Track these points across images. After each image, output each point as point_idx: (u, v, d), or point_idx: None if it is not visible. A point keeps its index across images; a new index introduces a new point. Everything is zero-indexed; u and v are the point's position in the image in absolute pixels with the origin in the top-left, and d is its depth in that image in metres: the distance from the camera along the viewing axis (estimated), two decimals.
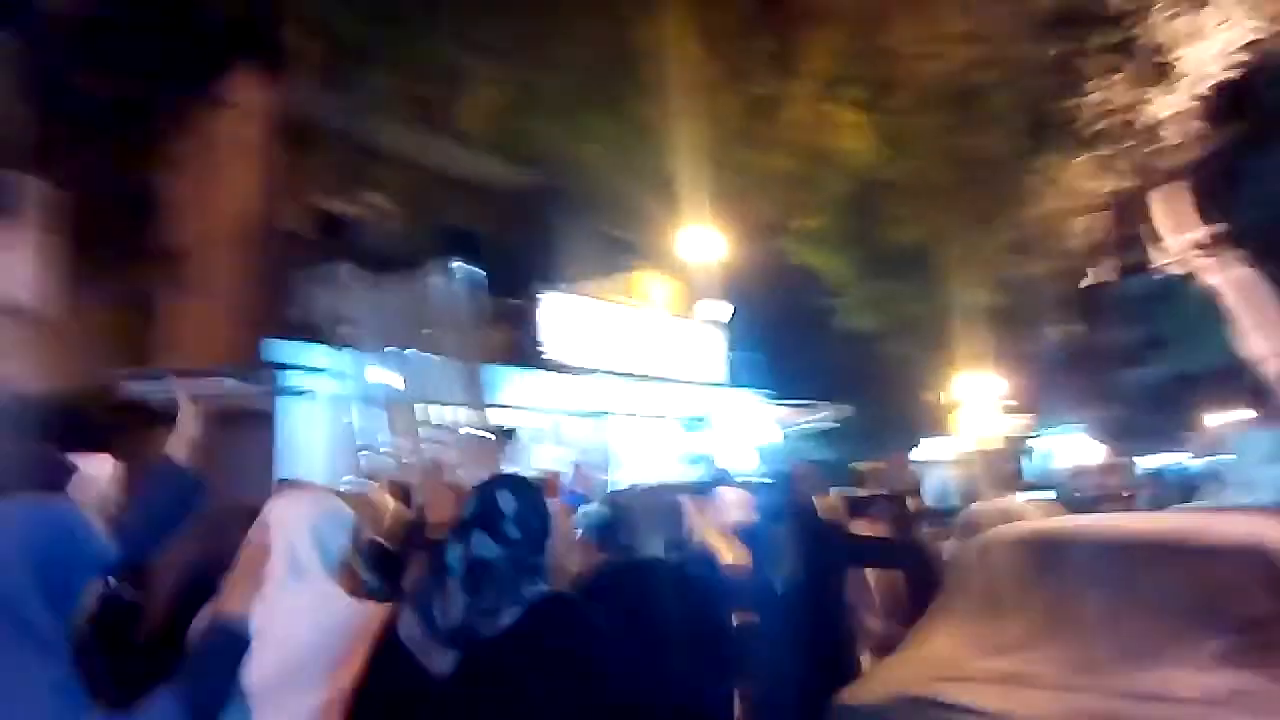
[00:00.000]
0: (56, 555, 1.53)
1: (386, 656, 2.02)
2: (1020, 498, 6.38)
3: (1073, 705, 3.10)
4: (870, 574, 4.94)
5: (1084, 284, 12.06)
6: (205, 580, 2.27)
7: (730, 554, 3.69)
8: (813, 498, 4.56)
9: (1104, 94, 9.07)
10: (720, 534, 3.86)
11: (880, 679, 3.55)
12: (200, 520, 2.77)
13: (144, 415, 8.26)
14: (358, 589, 2.48)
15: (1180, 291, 12.11)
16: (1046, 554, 3.91)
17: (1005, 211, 10.46)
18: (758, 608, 3.68)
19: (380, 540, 3.72)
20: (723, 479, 5.26)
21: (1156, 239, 10.18)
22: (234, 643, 1.81)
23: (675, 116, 9.84)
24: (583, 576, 2.96)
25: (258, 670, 1.94)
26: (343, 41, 9.37)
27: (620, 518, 2.88)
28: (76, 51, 9.19)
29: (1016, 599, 3.76)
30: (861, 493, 6.31)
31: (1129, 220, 10.29)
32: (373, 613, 2.23)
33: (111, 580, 2.70)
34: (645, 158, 10.49)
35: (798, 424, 14.88)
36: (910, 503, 5.94)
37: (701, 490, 4.44)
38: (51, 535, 1.55)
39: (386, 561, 3.40)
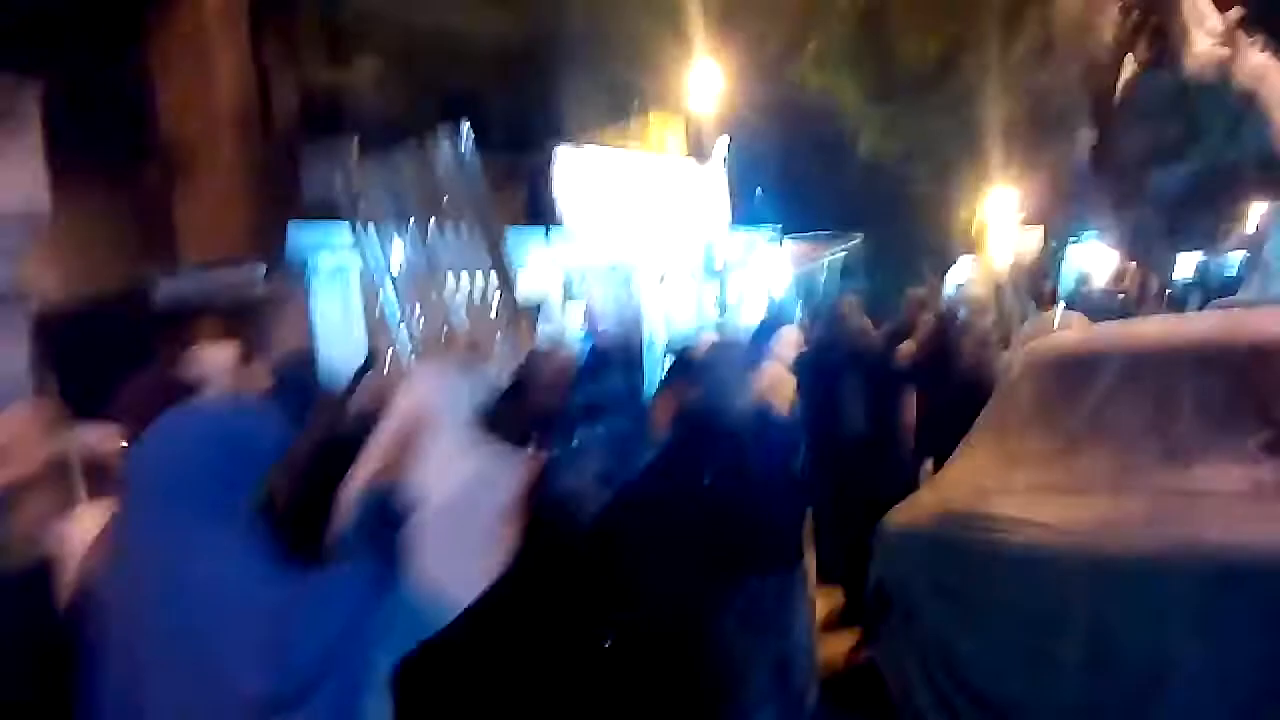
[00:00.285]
0: (240, 446, 1.73)
1: (543, 505, 2.33)
2: (1060, 311, 6.29)
3: (1117, 507, 3.17)
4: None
5: (1111, 83, 11.52)
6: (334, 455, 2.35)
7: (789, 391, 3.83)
8: (860, 327, 4.65)
9: None
10: (783, 373, 3.96)
11: (925, 497, 3.65)
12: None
13: (181, 313, 8.38)
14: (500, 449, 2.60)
15: (1212, 85, 11.55)
16: (1086, 364, 3.91)
17: (1030, 10, 9.86)
18: (821, 438, 3.85)
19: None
20: (779, 318, 5.25)
21: (1187, 30, 9.61)
22: (402, 509, 1.88)
23: None
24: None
25: (432, 535, 1.98)
26: None
27: (697, 370, 2.98)
28: None
29: (1058, 410, 3.79)
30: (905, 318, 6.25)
31: (1157, 11, 9.69)
32: (529, 468, 2.43)
33: None
34: None
35: (818, 257, 14.74)
36: (956, 323, 5.85)
37: (764, 335, 4.48)
38: (236, 428, 1.78)
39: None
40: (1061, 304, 9.42)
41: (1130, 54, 10.49)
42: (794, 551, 3.52)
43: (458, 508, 2.18)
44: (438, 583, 2.05)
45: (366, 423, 2.32)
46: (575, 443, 2.45)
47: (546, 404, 3.00)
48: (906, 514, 3.51)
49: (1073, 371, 3.93)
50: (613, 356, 2.99)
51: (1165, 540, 2.89)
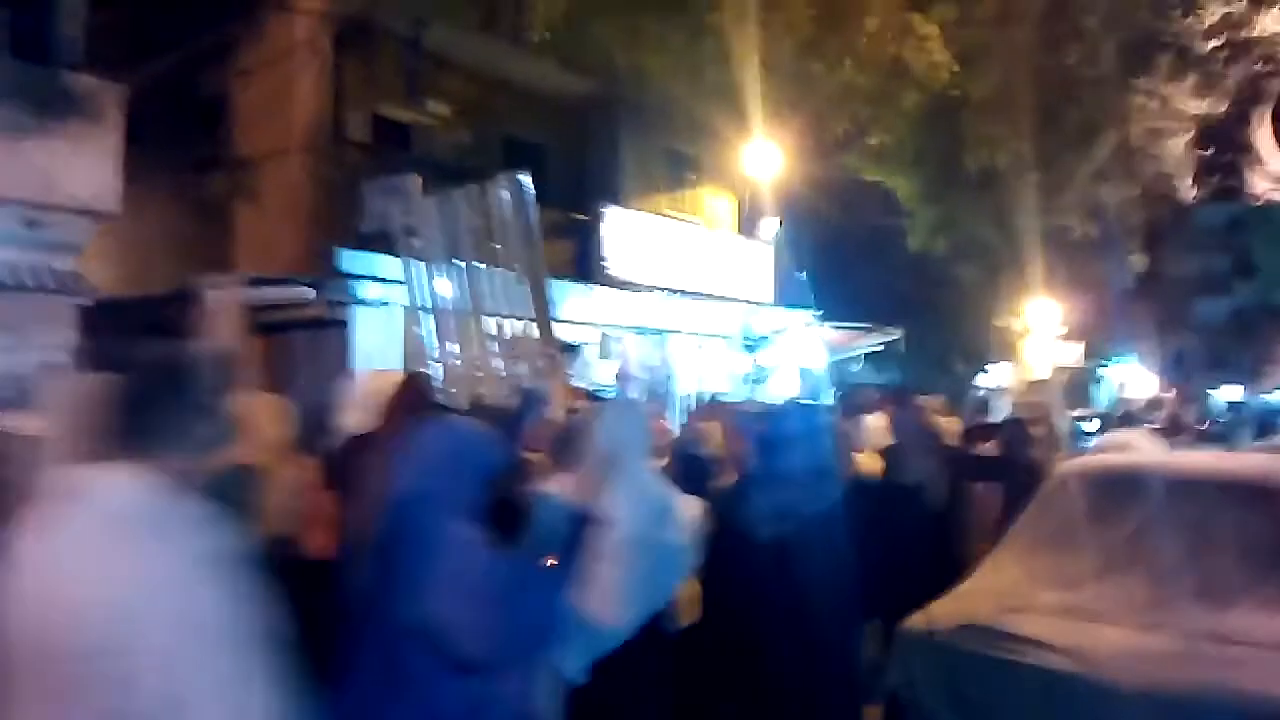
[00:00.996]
0: (479, 459, 2.10)
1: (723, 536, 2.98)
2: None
3: (1143, 643, 3.09)
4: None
5: (1167, 211, 11.56)
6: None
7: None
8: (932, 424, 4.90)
9: (1217, 9, 8.51)
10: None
11: (949, 606, 3.57)
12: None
13: (222, 319, 8.52)
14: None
15: (1274, 218, 11.53)
16: (1123, 489, 3.85)
17: (1100, 135, 9.95)
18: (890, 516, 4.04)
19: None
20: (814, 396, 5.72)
21: (1256, 162, 9.66)
22: (594, 528, 2.20)
23: (744, 26, 9.50)
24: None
25: (617, 556, 2.26)
26: None
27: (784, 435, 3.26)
28: None
29: (1091, 532, 3.72)
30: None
31: (1225, 143, 9.75)
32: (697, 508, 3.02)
33: None
34: (710, 68, 10.19)
35: (854, 346, 14.73)
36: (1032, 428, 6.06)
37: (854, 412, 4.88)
38: (477, 444, 2.16)
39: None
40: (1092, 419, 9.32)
41: (1191, 184, 10.53)
42: None
43: (642, 534, 2.41)
44: (618, 602, 2.27)
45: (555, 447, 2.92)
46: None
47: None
48: (927, 621, 3.43)
49: (1111, 493, 3.86)
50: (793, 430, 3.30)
51: (1192, 683, 2.80)
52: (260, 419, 3.22)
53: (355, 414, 3.78)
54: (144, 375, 1.50)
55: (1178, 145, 9.71)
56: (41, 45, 7.96)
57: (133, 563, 1.29)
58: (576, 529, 2.18)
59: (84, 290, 7.87)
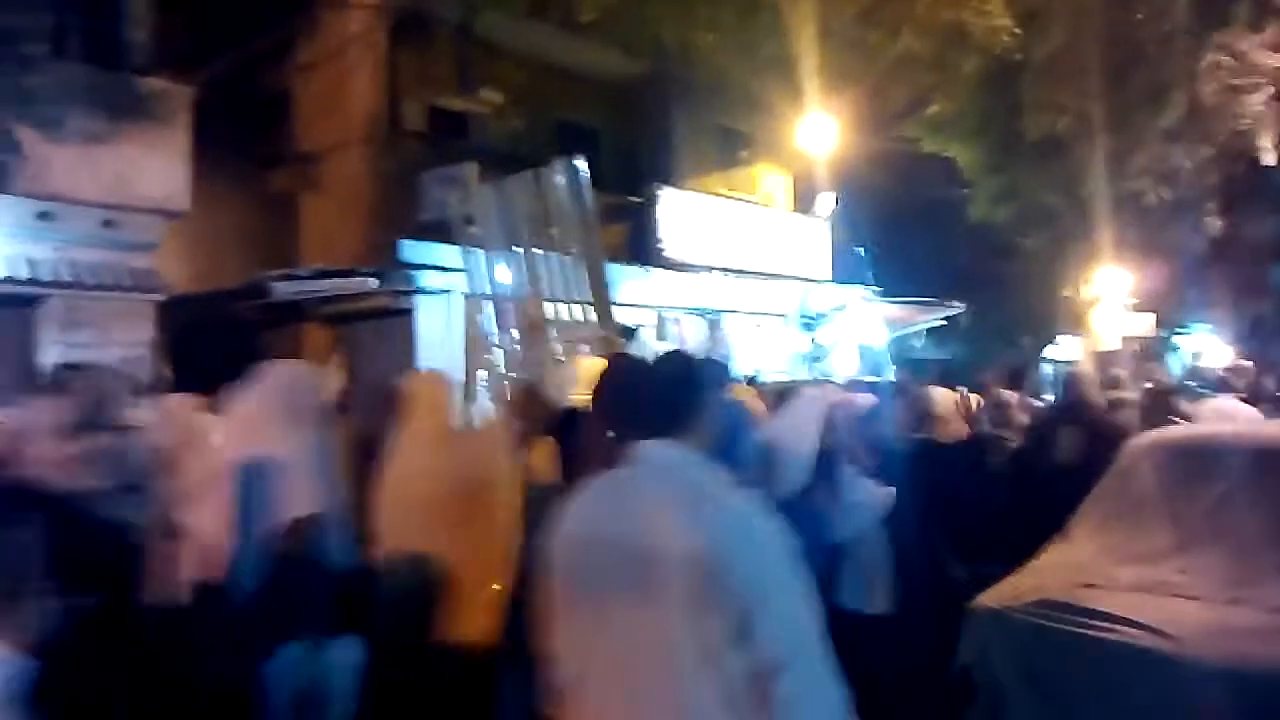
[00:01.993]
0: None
1: None
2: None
3: (1225, 618, 3.01)
4: None
5: (1244, 171, 11.07)
6: None
7: None
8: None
9: None
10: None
11: (1023, 582, 3.52)
12: None
13: (292, 313, 8.77)
14: None
15: None
16: (1205, 460, 3.74)
17: (1171, 94, 9.54)
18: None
19: None
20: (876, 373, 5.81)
21: None
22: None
23: None
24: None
25: None
26: None
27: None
28: None
29: (1169, 506, 3.63)
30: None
31: None
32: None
33: None
34: (764, 44, 10.07)
35: (916, 321, 14.48)
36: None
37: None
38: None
39: None
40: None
41: (1271, 142, 10.04)
42: None
43: None
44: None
45: None
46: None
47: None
48: (1001, 597, 3.39)
49: (1189, 466, 3.76)
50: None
51: (1277, 659, 2.73)
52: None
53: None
54: (671, 374, 2.06)
55: (1256, 101, 9.23)
56: (111, 50, 8.24)
57: (709, 504, 1.84)
58: None
59: (159, 287, 8.17)
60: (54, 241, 7.64)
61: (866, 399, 4.36)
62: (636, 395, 2.03)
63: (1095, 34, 9.49)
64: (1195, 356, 19.88)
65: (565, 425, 3.41)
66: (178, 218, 8.38)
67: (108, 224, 7.88)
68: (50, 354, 7.47)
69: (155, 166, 8.04)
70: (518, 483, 3.28)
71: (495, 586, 3.05)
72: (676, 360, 2.17)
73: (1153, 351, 16.01)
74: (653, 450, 1.91)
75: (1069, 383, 5.64)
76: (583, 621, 1.89)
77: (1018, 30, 9.63)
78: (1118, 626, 3.00)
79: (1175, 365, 19.38)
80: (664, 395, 1.98)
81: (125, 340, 7.70)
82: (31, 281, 7.37)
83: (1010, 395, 6.58)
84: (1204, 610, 3.08)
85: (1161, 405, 5.29)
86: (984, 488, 4.42)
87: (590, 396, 2.47)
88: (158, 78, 8.27)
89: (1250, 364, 14.01)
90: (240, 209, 10.25)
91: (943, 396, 5.60)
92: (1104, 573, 3.43)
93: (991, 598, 3.41)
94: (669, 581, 1.77)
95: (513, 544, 3.05)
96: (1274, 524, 3.33)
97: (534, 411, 4.36)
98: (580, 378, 4.94)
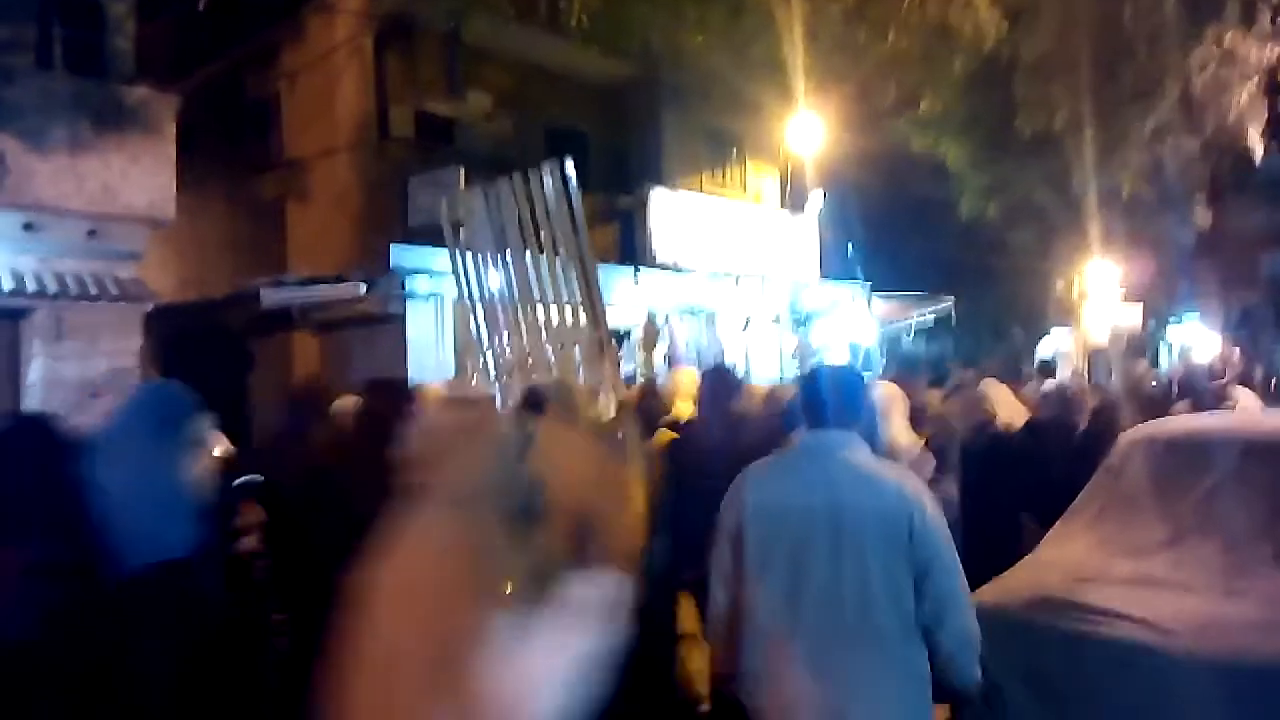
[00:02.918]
0: None
1: None
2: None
3: (1223, 611, 3.00)
4: None
5: (1232, 162, 11.09)
6: None
7: None
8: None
9: None
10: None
11: (1018, 579, 3.51)
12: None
13: (281, 320, 8.72)
14: None
15: None
16: (1197, 451, 3.74)
17: (1160, 90, 9.53)
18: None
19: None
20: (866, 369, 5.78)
21: None
22: None
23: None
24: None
25: None
26: None
27: None
28: None
29: (1162, 499, 3.62)
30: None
31: None
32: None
33: None
34: (752, 45, 10.06)
35: (907, 316, 14.50)
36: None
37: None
38: None
39: None
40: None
41: (1259, 135, 10.05)
42: None
43: None
44: None
45: None
46: None
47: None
48: (998, 594, 3.38)
49: (1182, 458, 3.76)
50: None
51: (1276, 652, 2.72)
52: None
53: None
54: (852, 379, 2.66)
55: (1244, 95, 9.25)
56: (95, 59, 8.19)
57: (887, 474, 2.42)
58: None
59: (146, 296, 8.12)
60: (39, 252, 7.58)
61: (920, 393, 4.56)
62: (826, 395, 2.54)
63: (1084, 30, 9.49)
64: (1183, 349, 19.97)
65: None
66: (164, 226, 8.32)
67: (93, 234, 7.83)
68: (37, 366, 7.41)
69: (140, 175, 7.99)
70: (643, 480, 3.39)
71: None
72: (852, 369, 2.94)
73: (1141, 345, 16.05)
74: (830, 435, 2.46)
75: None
76: (784, 575, 2.36)
77: (1005, 27, 9.64)
78: (1113, 621, 2.99)
79: (1164, 356, 19.47)
80: (847, 395, 2.53)
81: (113, 350, 7.64)
82: (17, 293, 7.31)
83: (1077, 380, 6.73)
84: (1199, 603, 3.07)
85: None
86: (1066, 467, 4.49)
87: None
88: (142, 86, 8.22)
89: (1236, 354, 14.09)
90: (227, 216, 10.19)
91: (993, 388, 5.64)
92: (1099, 567, 3.42)
93: (988, 594, 3.39)
94: (866, 534, 2.29)
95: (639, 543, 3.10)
96: (1267, 515, 3.33)
97: (655, 410, 4.61)
98: (682, 387, 5.15)
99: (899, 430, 4.13)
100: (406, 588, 1.58)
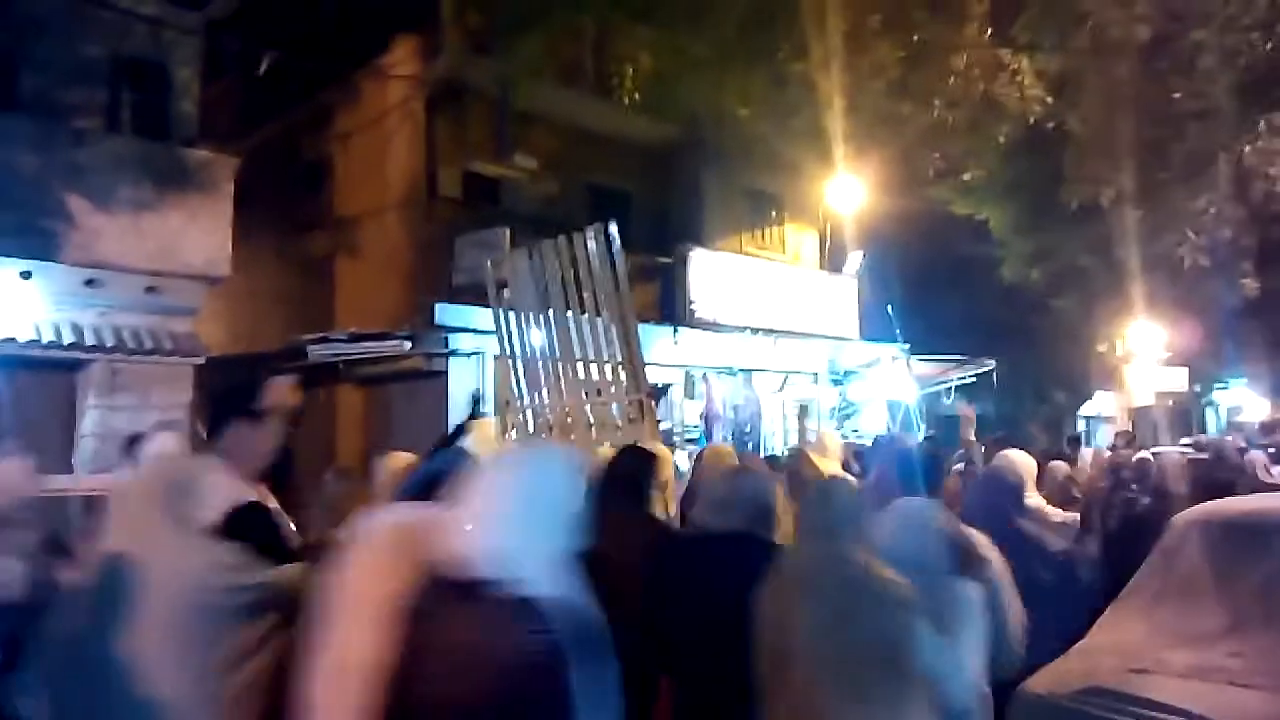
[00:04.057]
0: None
1: None
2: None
3: None
4: None
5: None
6: None
7: None
8: None
9: None
10: None
11: (1071, 665, 3.42)
12: None
13: (327, 374, 8.88)
14: None
15: None
16: (1252, 535, 3.62)
17: (1209, 167, 9.45)
18: None
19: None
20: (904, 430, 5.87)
21: None
22: None
23: (829, 72, 9.49)
24: None
25: None
26: (495, 8, 9.54)
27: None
28: (251, 29, 9.77)
29: (1220, 584, 3.51)
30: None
31: None
32: None
33: None
34: (795, 115, 10.20)
35: (946, 379, 14.35)
36: None
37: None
38: None
39: None
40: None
41: None
42: None
43: None
44: None
45: None
46: None
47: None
48: (1048, 682, 3.29)
49: (1238, 541, 3.64)
50: None
51: None
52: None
53: None
54: (935, 457, 3.47)
55: None
56: (160, 123, 8.53)
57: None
58: None
59: (199, 350, 8.32)
60: (99, 307, 7.82)
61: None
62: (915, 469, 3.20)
63: (1130, 108, 9.48)
64: (1231, 412, 19.50)
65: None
66: (219, 283, 8.56)
67: (151, 289, 8.07)
68: (91, 418, 7.60)
69: (199, 233, 8.25)
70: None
71: None
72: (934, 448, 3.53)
73: (1186, 408, 15.69)
74: (918, 504, 3.00)
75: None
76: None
77: (1050, 100, 9.70)
78: (1169, 718, 2.90)
79: (1212, 420, 19.00)
80: (931, 469, 3.16)
81: (164, 404, 7.82)
82: (74, 346, 7.53)
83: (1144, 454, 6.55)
84: (1260, 700, 2.96)
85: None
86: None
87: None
88: (203, 148, 8.54)
89: None
90: (279, 271, 10.45)
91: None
92: (1155, 656, 3.31)
93: (1039, 683, 3.30)
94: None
95: None
96: None
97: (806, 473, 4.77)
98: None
99: (1035, 495, 4.39)
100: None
